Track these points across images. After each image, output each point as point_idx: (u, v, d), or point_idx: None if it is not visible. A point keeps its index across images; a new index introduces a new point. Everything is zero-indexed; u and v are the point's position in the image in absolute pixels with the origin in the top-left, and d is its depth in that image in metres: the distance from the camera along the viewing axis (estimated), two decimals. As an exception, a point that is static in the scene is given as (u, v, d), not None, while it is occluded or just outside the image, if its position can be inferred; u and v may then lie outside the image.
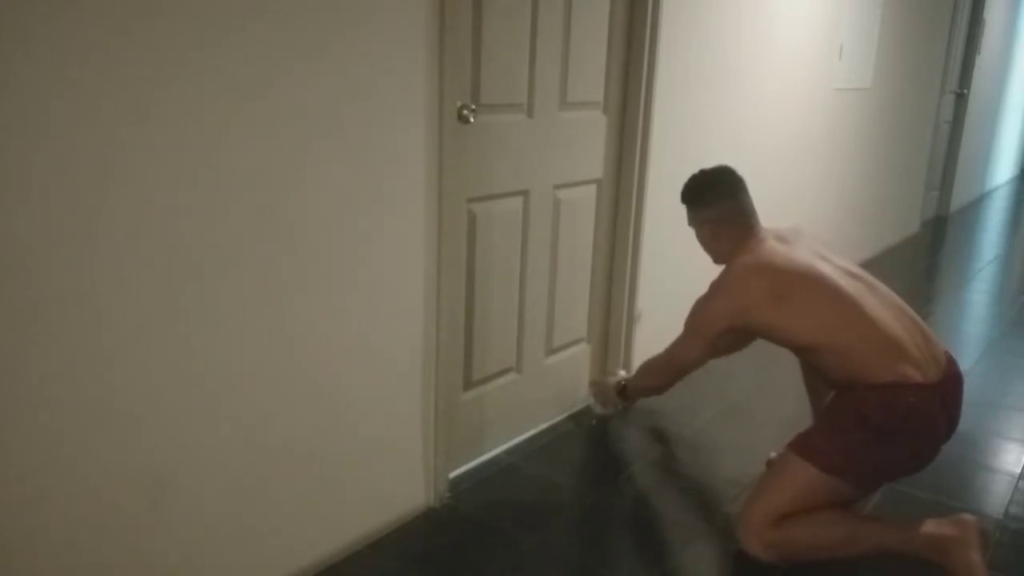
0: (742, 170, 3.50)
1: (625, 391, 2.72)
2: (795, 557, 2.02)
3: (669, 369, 2.44)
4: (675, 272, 3.15)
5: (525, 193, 2.44)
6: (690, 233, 3.24)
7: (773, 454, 2.53)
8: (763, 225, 2.30)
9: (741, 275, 2.15)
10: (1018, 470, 2.56)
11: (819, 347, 2.06)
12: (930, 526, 1.95)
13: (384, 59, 1.82)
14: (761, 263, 2.12)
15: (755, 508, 2.04)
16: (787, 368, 3.39)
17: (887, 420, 1.97)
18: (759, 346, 3.66)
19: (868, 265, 5.15)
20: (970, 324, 4.18)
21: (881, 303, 2.08)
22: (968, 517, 1.95)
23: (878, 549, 1.97)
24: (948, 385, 2.05)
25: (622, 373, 2.90)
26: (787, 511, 1.99)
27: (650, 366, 2.55)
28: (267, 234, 1.67)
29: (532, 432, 2.68)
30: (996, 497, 2.42)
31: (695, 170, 3.15)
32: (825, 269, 2.10)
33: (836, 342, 2.02)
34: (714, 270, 3.42)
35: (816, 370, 2.18)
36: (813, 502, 1.99)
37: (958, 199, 7.34)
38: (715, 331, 2.21)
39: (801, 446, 2.04)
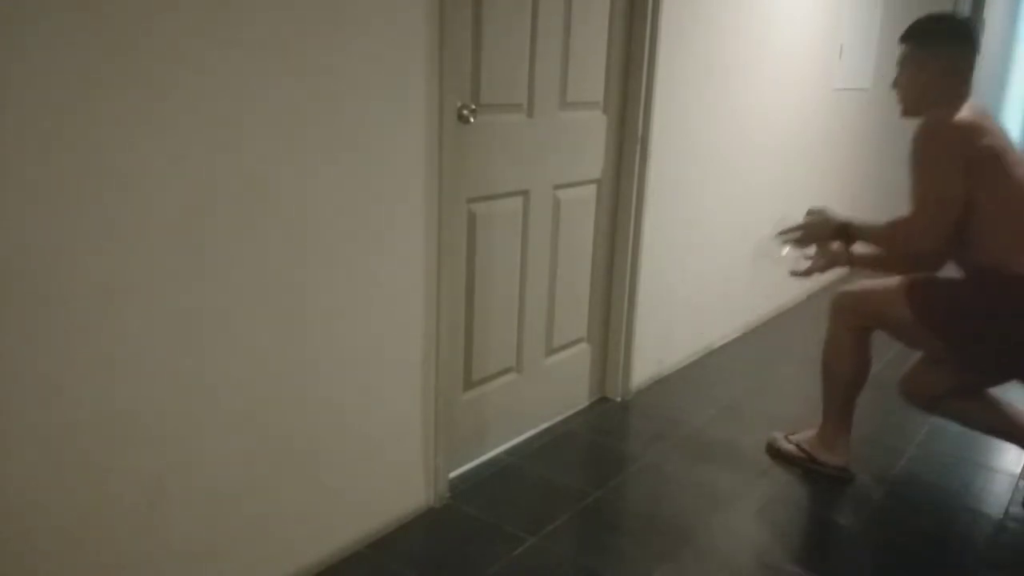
0: (743, 169, 3.51)
1: (849, 231, 2.26)
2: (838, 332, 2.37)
3: (924, 216, 2.07)
4: (675, 271, 3.16)
5: (525, 193, 2.44)
6: (689, 233, 3.25)
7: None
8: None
9: (959, 124, 2.05)
10: (1018, 470, 2.56)
11: (984, 223, 2.05)
12: None
13: (384, 59, 1.82)
14: (976, 121, 2.06)
15: (849, 296, 2.35)
16: (787, 368, 3.39)
17: (1012, 307, 2.05)
18: (759, 345, 3.67)
19: (868, 265, 5.15)
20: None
21: None
22: None
23: None
24: None
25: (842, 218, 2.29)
26: (874, 320, 2.31)
27: (894, 224, 2.15)
28: (266, 235, 1.67)
29: (532, 432, 2.68)
30: (996, 497, 2.42)
31: (695, 170, 3.14)
32: (1013, 157, 2.10)
33: (999, 225, 2.06)
34: (711, 275, 3.44)
35: (959, 248, 2.13)
36: (885, 324, 2.28)
37: (958, 199, 7.32)
38: (950, 171, 2.04)
39: (912, 283, 2.20)
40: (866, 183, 4.92)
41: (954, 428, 2.87)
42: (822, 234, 2.30)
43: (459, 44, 2.06)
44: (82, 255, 1.39)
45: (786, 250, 2.33)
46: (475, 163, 2.22)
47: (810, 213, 2.35)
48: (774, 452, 2.60)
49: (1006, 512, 2.34)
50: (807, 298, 4.42)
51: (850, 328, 2.34)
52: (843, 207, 4.79)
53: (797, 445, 2.55)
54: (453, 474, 2.35)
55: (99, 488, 1.49)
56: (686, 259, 3.23)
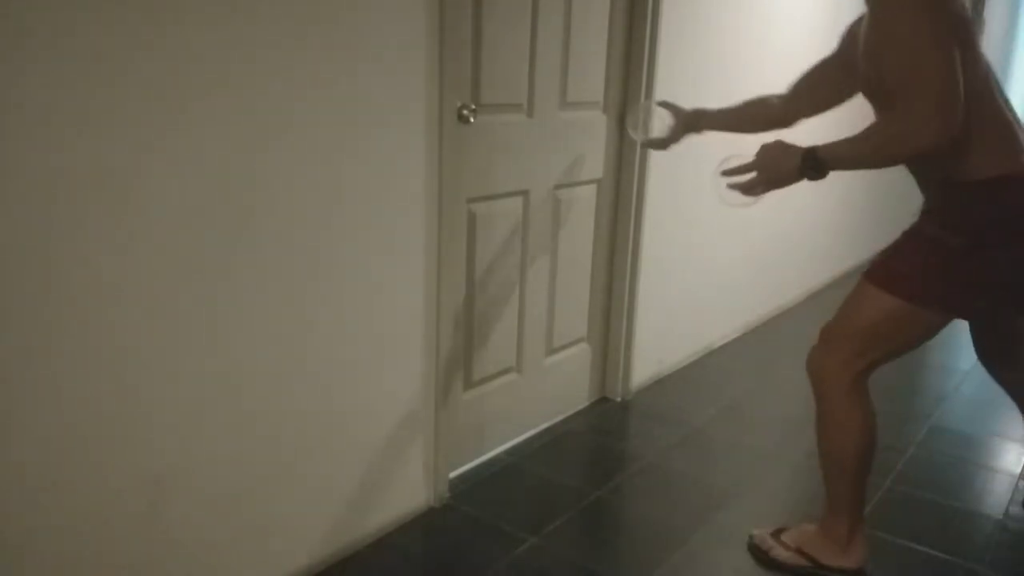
0: (742, 170, 3.51)
1: (817, 158, 1.76)
2: (824, 407, 1.90)
3: (927, 101, 1.57)
4: (675, 271, 3.15)
5: (525, 193, 2.44)
6: (689, 233, 3.24)
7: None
8: None
9: None
10: (1018, 470, 2.56)
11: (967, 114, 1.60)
12: None
13: (384, 59, 1.82)
14: None
15: (821, 347, 1.88)
16: (787, 368, 3.39)
17: (990, 218, 1.70)
18: (759, 345, 3.67)
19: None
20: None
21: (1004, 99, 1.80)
22: None
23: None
24: None
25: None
26: (866, 345, 1.82)
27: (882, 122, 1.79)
28: (265, 235, 1.67)
29: (532, 432, 2.68)
30: (996, 497, 2.42)
31: (695, 170, 3.14)
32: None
33: (968, 117, 1.59)
34: (711, 275, 3.44)
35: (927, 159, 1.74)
36: (895, 334, 1.81)
37: (958, 199, 7.32)
38: (942, 30, 1.61)
39: (879, 275, 1.82)
40: (866, 182, 4.92)
41: (954, 428, 2.88)
42: (784, 173, 1.77)
43: (459, 44, 2.06)
44: (83, 255, 1.39)
45: (743, 200, 1.78)
46: (475, 163, 2.22)
47: (764, 148, 1.81)
48: (764, 560, 2.05)
49: (1006, 512, 2.34)
50: (807, 298, 4.42)
51: (845, 379, 1.86)
52: (844, 209, 4.79)
53: (797, 549, 2.02)
54: (453, 474, 2.35)
55: (99, 488, 1.49)
56: (686, 259, 3.22)
